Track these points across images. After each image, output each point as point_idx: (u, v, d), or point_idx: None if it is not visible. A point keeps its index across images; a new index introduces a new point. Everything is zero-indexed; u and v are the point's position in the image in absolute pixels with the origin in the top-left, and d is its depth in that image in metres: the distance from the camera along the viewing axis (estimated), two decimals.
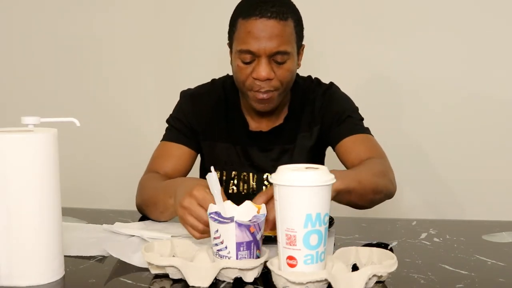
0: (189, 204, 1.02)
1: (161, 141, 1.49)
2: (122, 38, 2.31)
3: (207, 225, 0.99)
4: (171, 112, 1.52)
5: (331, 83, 1.51)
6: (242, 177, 1.46)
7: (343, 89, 1.52)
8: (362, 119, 1.48)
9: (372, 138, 1.44)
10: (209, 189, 1.01)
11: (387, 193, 1.30)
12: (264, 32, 1.30)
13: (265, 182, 1.46)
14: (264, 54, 1.31)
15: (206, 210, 0.99)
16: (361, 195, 1.20)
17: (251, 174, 1.46)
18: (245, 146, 1.47)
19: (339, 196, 1.12)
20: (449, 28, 2.06)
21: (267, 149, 1.46)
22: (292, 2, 1.39)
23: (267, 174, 1.45)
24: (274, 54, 1.31)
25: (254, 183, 1.46)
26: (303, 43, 1.42)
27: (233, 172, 1.47)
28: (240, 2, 1.39)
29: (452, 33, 2.06)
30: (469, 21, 2.05)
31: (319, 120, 1.46)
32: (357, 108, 1.49)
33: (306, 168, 0.90)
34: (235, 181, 1.46)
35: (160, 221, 1.28)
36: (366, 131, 1.45)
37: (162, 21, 2.28)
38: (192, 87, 1.54)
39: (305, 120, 1.46)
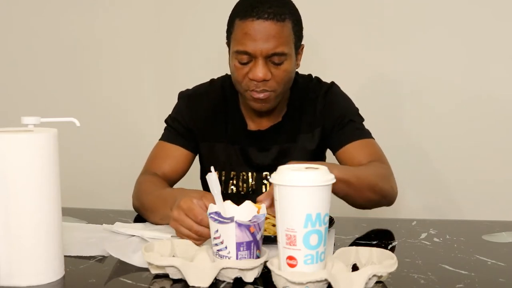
0: (178, 215, 1.06)
1: (159, 140, 1.50)
2: (122, 39, 2.31)
3: (199, 233, 1.04)
4: (170, 113, 1.52)
5: (332, 83, 1.50)
6: (241, 176, 1.46)
7: (344, 89, 1.52)
8: (363, 120, 1.48)
9: (373, 142, 1.44)
10: (197, 199, 1.05)
11: (386, 196, 1.32)
12: (260, 33, 1.29)
13: (264, 181, 1.46)
14: (260, 55, 1.30)
15: (193, 220, 1.04)
16: (359, 190, 1.21)
17: (250, 174, 1.46)
18: (243, 146, 1.46)
19: (336, 185, 1.07)
20: (450, 29, 2.06)
21: (266, 149, 1.46)
22: (291, 2, 1.37)
23: (266, 172, 1.45)
24: (271, 55, 1.31)
25: (253, 182, 1.46)
26: (303, 43, 1.41)
27: (232, 172, 1.46)
28: (238, 2, 1.38)
29: (453, 33, 2.06)
30: (471, 22, 2.05)
31: (320, 122, 1.45)
32: (357, 110, 1.49)
33: (306, 168, 0.90)
34: (234, 181, 1.46)
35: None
36: (368, 135, 1.44)
37: (162, 21, 2.28)
38: (191, 87, 1.54)
39: (305, 120, 1.46)
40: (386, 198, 1.32)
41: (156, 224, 1.26)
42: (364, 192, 1.23)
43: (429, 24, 2.07)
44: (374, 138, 1.45)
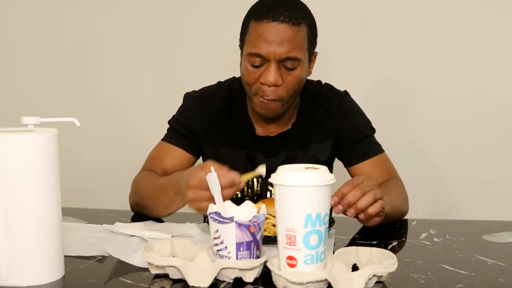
0: (194, 194, 1.08)
1: (161, 140, 1.49)
2: (122, 39, 2.31)
3: (226, 196, 1.04)
4: (172, 113, 1.51)
5: (345, 92, 1.49)
6: (246, 181, 1.45)
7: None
8: (375, 131, 1.48)
9: (386, 157, 1.45)
10: (200, 171, 1.06)
11: (404, 216, 1.37)
12: (275, 36, 1.26)
13: (269, 187, 1.44)
14: (273, 58, 1.28)
15: (208, 189, 1.04)
16: (389, 219, 1.25)
17: (255, 179, 1.45)
18: (250, 151, 1.44)
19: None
20: (450, 29, 2.06)
21: (273, 155, 1.44)
22: (307, 8, 1.34)
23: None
24: (284, 59, 1.28)
25: (258, 188, 1.44)
26: (316, 50, 1.38)
27: None
28: (254, 4, 1.35)
29: (453, 33, 2.06)
30: (471, 22, 2.05)
31: (334, 133, 1.44)
32: (370, 122, 1.48)
33: (306, 168, 0.90)
34: None
35: (159, 222, 1.28)
36: (380, 149, 1.45)
37: (162, 22, 2.28)
38: (192, 87, 1.53)
39: (317, 130, 1.44)
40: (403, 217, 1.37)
41: (159, 215, 1.27)
42: (391, 219, 1.28)
43: (429, 24, 2.07)
44: (384, 150, 1.46)
